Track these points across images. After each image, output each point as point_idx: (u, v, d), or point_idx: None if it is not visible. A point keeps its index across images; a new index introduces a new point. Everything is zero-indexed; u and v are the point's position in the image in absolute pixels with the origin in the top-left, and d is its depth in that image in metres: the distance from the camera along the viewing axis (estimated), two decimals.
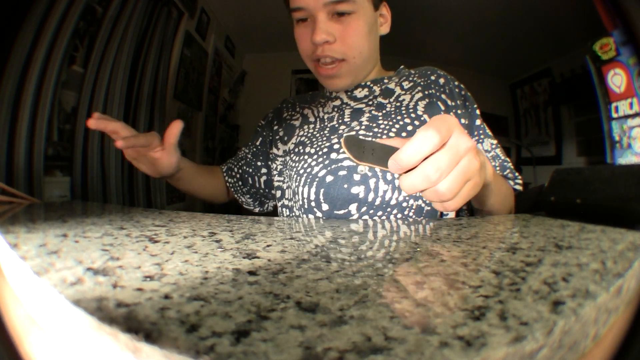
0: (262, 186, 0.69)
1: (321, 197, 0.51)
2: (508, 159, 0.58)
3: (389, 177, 0.50)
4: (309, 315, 0.14)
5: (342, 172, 0.51)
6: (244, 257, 0.23)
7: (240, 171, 0.70)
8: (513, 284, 0.18)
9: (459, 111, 0.56)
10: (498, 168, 0.57)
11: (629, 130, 1.44)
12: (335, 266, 0.21)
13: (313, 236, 0.31)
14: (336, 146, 0.53)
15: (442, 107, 0.55)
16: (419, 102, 0.55)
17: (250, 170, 0.69)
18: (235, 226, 0.34)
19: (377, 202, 0.49)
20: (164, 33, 1.42)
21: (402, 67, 0.64)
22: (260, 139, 0.69)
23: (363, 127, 0.54)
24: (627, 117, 1.44)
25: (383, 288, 0.18)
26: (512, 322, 0.14)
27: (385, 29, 0.59)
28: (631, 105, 1.42)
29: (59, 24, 0.91)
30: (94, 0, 1.05)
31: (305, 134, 0.58)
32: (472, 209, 0.59)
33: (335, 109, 0.59)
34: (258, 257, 0.23)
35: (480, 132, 0.58)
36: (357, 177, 0.50)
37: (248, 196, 0.72)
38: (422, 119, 0.54)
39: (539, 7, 1.66)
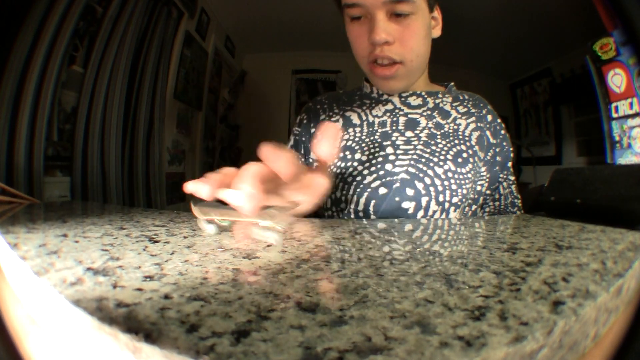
0: None
1: (371, 208, 0.50)
2: (519, 196, 0.61)
3: (440, 198, 0.50)
4: (309, 315, 0.14)
5: (396, 185, 0.50)
6: (244, 257, 0.23)
7: None
8: (513, 284, 0.18)
9: (497, 149, 0.58)
10: (509, 203, 0.59)
11: (629, 130, 1.44)
12: (335, 266, 0.21)
13: (313, 236, 0.31)
14: (391, 157, 0.52)
15: (486, 143, 0.57)
16: (473, 132, 0.56)
17: None
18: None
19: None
20: (164, 33, 1.42)
21: (452, 83, 0.62)
22: (303, 146, 0.62)
23: (421, 142, 0.53)
24: (627, 117, 1.44)
25: (383, 288, 0.18)
26: (512, 322, 0.14)
27: (437, 31, 0.58)
28: (631, 105, 1.42)
29: (59, 24, 0.91)
30: (94, 0, 1.05)
31: (352, 137, 0.56)
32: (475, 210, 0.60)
33: (387, 114, 0.57)
34: (258, 257, 0.23)
35: (508, 173, 0.60)
36: (410, 192, 0.50)
37: None
38: (474, 149, 0.54)
39: (539, 7, 1.66)
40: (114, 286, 0.17)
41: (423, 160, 0.51)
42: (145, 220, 0.36)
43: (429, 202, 0.50)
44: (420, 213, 0.50)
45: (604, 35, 1.46)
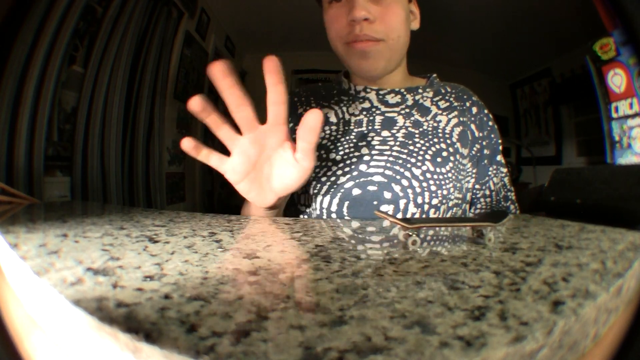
0: None
1: (345, 209, 0.49)
2: (513, 189, 0.59)
3: (419, 200, 0.49)
4: (309, 315, 0.14)
5: (371, 188, 0.49)
6: (244, 257, 0.23)
7: None
8: (513, 284, 0.18)
9: (484, 142, 0.56)
10: (501, 197, 0.57)
11: (629, 130, 1.44)
12: (335, 266, 0.21)
13: (313, 236, 0.31)
14: (366, 158, 0.51)
15: (470, 137, 0.55)
16: (455, 128, 0.54)
17: None
18: (235, 226, 0.34)
19: None
20: (164, 33, 1.42)
21: (434, 75, 0.60)
22: None
23: (398, 142, 0.52)
24: (627, 117, 1.44)
25: (383, 288, 0.18)
26: (512, 322, 0.14)
27: (415, 24, 0.56)
28: (631, 105, 1.42)
29: (59, 24, 0.91)
30: (94, 0, 1.05)
31: (327, 136, 0.55)
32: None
33: (364, 112, 0.55)
34: (258, 257, 0.23)
35: (499, 166, 0.58)
36: (387, 195, 0.49)
37: None
38: (455, 146, 0.53)
39: (539, 7, 1.66)
40: (114, 286, 0.17)
41: (400, 161, 0.50)
42: (145, 220, 0.36)
43: (407, 205, 0.48)
44: (399, 216, 0.49)
45: (604, 35, 1.46)
